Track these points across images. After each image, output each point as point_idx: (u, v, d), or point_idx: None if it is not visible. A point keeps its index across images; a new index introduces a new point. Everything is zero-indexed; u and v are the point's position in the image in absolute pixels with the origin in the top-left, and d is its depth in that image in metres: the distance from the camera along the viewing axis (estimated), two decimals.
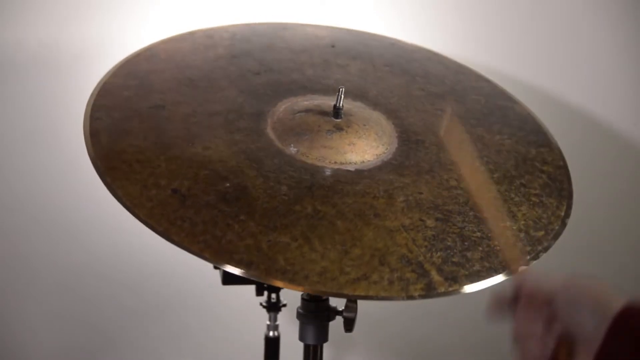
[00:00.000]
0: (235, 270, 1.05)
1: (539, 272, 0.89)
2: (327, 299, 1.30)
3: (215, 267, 1.30)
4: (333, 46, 1.52)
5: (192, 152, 1.19)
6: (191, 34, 1.48)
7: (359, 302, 1.26)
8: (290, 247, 1.07)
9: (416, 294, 1.07)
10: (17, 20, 1.63)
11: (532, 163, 1.31)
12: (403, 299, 1.07)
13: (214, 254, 1.05)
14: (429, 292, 1.08)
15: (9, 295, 1.73)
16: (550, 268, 0.91)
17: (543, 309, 0.86)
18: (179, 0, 1.68)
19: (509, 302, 0.90)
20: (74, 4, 1.64)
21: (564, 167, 1.33)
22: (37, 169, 1.67)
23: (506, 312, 0.91)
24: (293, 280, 1.05)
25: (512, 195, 1.23)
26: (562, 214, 1.23)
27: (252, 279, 1.06)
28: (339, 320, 1.29)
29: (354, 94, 1.36)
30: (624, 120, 1.77)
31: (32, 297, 1.73)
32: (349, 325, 1.28)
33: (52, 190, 1.68)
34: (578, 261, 1.74)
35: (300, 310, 1.30)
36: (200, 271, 1.41)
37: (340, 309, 1.29)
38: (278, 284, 1.05)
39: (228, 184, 1.14)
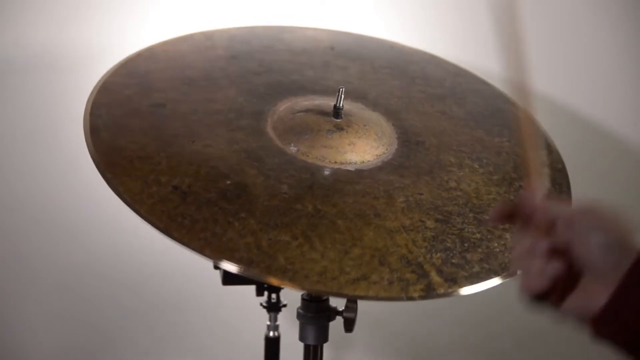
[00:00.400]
0: (236, 269, 1.04)
1: (549, 196, 0.87)
2: (327, 299, 1.30)
3: (216, 267, 1.29)
4: (333, 48, 1.52)
5: (193, 150, 1.19)
6: (191, 35, 1.49)
7: (359, 302, 1.27)
8: (291, 246, 1.07)
9: (416, 294, 1.07)
10: (17, 21, 1.63)
11: None
12: (403, 299, 1.07)
13: (215, 251, 1.05)
14: (429, 293, 1.08)
15: (9, 295, 1.73)
16: None
17: (545, 235, 0.83)
18: (179, 2, 1.68)
19: (512, 212, 0.87)
20: (74, 4, 1.64)
21: (563, 170, 1.33)
22: (37, 168, 1.67)
23: (506, 222, 0.88)
24: (293, 280, 1.05)
25: (512, 198, 1.23)
26: None
27: (252, 277, 1.05)
28: (339, 321, 1.29)
29: (353, 95, 1.36)
30: (624, 121, 1.77)
31: (32, 297, 1.73)
32: (349, 325, 1.28)
33: (52, 190, 1.68)
34: None
35: (300, 310, 1.30)
36: (200, 271, 1.41)
37: (341, 309, 1.29)
38: (278, 283, 1.05)
39: (229, 182, 1.14)
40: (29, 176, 1.68)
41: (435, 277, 1.09)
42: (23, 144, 1.67)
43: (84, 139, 1.18)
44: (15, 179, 1.68)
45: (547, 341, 1.84)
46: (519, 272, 0.84)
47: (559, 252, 0.82)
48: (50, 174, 1.68)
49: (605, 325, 0.79)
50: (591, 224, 0.81)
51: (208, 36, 1.49)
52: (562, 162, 1.35)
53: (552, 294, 0.82)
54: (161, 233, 1.06)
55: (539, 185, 0.88)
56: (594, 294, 0.80)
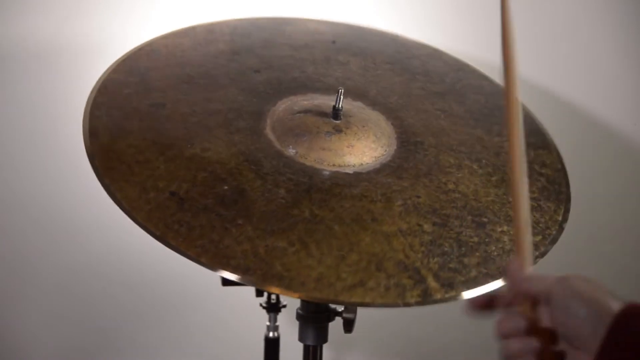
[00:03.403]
0: (232, 276, 1.05)
1: (533, 271, 0.88)
2: None
3: None
4: (334, 42, 1.51)
5: (191, 153, 1.18)
6: (192, 28, 1.48)
7: None
8: (287, 253, 1.07)
9: (412, 300, 1.07)
10: (18, 17, 1.62)
11: (530, 166, 1.30)
12: (399, 306, 1.07)
13: (211, 259, 1.05)
14: (426, 298, 1.08)
15: (9, 295, 1.73)
16: (550, 269, 0.91)
17: (529, 308, 0.85)
18: (181, 3, 1.68)
19: (491, 301, 0.89)
20: (75, 6, 1.64)
21: (562, 170, 1.32)
22: (37, 168, 1.67)
23: (490, 310, 0.90)
24: (289, 287, 1.05)
25: (511, 199, 1.23)
26: (560, 218, 1.23)
27: (248, 285, 1.06)
28: (338, 321, 1.30)
29: (354, 93, 1.36)
30: (624, 120, 1.76)
31: (32, 297, 1.73)
32: (348, 326, 1.29)
33: (53, 190, 1.68)
34: (578, 262, 1.74)
35: (300, 311, 1.31)
36: (200, 272, 1.40)
37: (340, 310, 1.30)
38: (274, 290, 1.06)
39: (226, 187, 1.14)
40: (29, 176, 1.68)
41: (432, 283, 1.09)
42: (23, 143, 1.67)
43: (83, 140, 1.19)
44: (15, 179, 1.68)
45: None
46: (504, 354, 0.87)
47: (539, 329, 0.84)
48: (50, 174, 1.67)
49: None
50: (567, 294, 0.82)
51: (209, 29, 1.48)
52: (561, 162, 1.34)
53: None
54: (158, 240, 1.07)
55: (525, 264, 0.88)
56: None
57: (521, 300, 0.86)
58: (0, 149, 1.67)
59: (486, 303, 0.90)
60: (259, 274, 1.05)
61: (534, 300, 0.85)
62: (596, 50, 1.74)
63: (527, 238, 0.89)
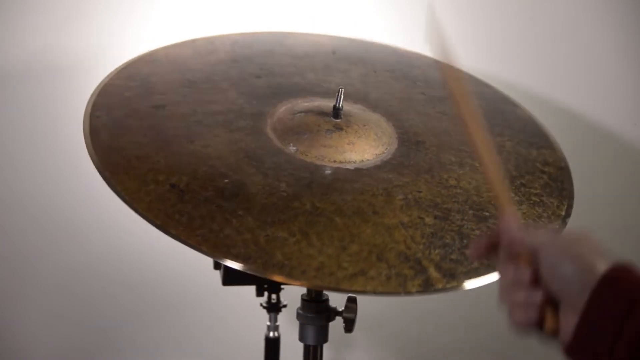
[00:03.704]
0: (233, 264, 1.04)
1: (525, 224, 0.87)
2: (327, 300, 1.30)
3: (216, 268, 1.30)
4: (334, 52, 1.52)
5: (192, 149, 1.19)
6: (193, 41, 1.49)
7: (359, 301, 1.26)
8: (288, 242, 1.07)
9: (414, 289, 1.06)
10: (18, 18, 1.64)
11: (532, 164, 1.31)
12: (400, 294, 1.06)
13: (212, 247, 1.05)
14: (427, 288, 1.07)
15: (9, 295, 1.73)
16: None
17: (526, 266, 0.83)
18: (181, 8, 1.69)
19: (491, 246, 0.88)
20: (75, 5, 1.65)
21: (566, 169, 1.32)
22: (37, 169, 1.68)
23: (488, 257, 0.89)
24: (290, 275, 1.04)
25: (512, 195, 1.23)
26: (563, 213, 1.23)
27: (249, 272, 1.05)
28: (338, 321, 1.29)
29: (354, 97, 1.36)
30: (624, 121, 1.77)
31: (32, 297, 1.73)
32: (348, 325, 1.28)
33: (53, 190, 1.68)
34: None
35: (300, 310, 1.30)
36: (200, 272, 1.41)
37: (340, 310, 1.29)
38: (275, 278, 1.05)
39: (227, 180, 1.14)
40: (29, 176, 1.68)
41: (433, 273, 1.08)
42: (23, 144, 1.67)
43: (83, 140, 1.19)
44: (15, 179, 1.68)
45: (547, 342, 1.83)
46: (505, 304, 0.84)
47: (539, 281, 0.83)
48: (50, 174, 1.68)
49: (575, 353, 0.79)
50: (557, 252, 0.81)
51: (210, 41, 1.50)
52: (564, 160, 1.34)
53: (539, 322, 0.82)
54: (159, 230, 1.07)
55: (512, 214, 0.88)
56: (567, 322, 0.80)
57: (518, 250, 0.84)
58: (0, 149, 1.67)
59: (487, 248, 0.88)
60: (259, 262, 1.04)
61: (528, 253, 0.84)
62: (596, 50, 1.74)
63: (507, 193, 0.89)
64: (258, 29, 1.59)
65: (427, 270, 1.08)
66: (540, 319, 0.82)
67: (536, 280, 0.83)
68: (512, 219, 0.87)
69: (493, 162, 0.91)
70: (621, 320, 0.76)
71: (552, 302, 0.82)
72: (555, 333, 0.82)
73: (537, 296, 0.82)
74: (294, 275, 1.04)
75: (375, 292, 1.06)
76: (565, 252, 0.81)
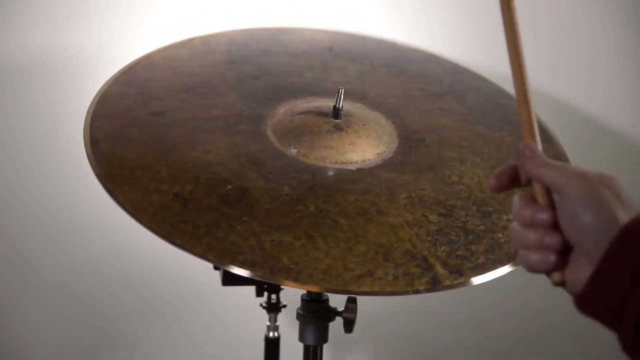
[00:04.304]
0: (240, 271, 1.04)
1: (552, 160, 0.84)
2: (327, 300, 1.30)
3: (216, 268, 1.29)
4: (331, 49, 1.52)
5: (193, 156, 1.19)
6: (189, 40, 1.49)
7: (359, 301, 1.26)
8: (294, 246, 1.07)
9: (422, 288, 1.06)
10: (18, 18, 1.63)
11: None
12: (409, 293, 1.06)
13: (218, 255, 1.05)
14: (435, 286, 1.07)
15: (9, 295, 1.73)
16: None
17: (546, 207, 0.80)
18: (177, 7, 1.69)
19: (512, 179, 0.85)
20: (74, 6, 1.65)
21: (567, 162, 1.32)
22: (37, 169, 1.67)
23: (508, 189, 0.86)
24: (297, 279, 1.04)
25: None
26: None
27: (257, 279, 1.05)
28: (338, 321, 1.29)
29: (353, 96, 1.36)
30: (624, 120, 1.77)
31: (32, 297, 1.72)
32: (348, 326, 1.27)
33: (53, 190, 1.68)
34: None
35: (300, 311, 1.30)
36: (200, 272, 1.40)
37: (340, 310, 1.28)
38: (283, 283, 1.05)
39: (229, 187, 1.14)
40: (29, 176, 1.68)
41: (440, 270, 1.08)
42: (23, 144, 1.67)
43: (83, 140, 1.19)
44: (15, 179, 1.68)
45: (547, 342, 1.83)
46: (518, 246, 0.82)
47: (552, 232, 0.80)
48: (50, 174, 1.67)
49: (586, 305, 0.77)
50: (579, 199, 0.78)
51: (206, 41, 1.49)
52: (565, 155, 1.34)
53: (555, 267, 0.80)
54: (164, 240, 1.06)
55: (535, 144, 0.85)
56: (580, 272, 0.78)
57: (538, 187, 0.82)
58: (0, 149, 1.67)
59: (509, 180, 0.85)
60: (266, 267, 1.05)
61: (548, 192, 0.81)
62: (596, 50, 1.74)
63: (534, 122, 0.85)
64: (254, 24, 1.58)
65: (434, 268, 1.08)
66: (558, 263, 0.80)
67: (555, 223, 0.80)
68: (536, 151, 0.84)
69: (524, 85, 0.87)
70: (638, 274, 0.74)
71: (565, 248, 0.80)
72: (562, 282, 0.80)
73: (556, 240, 0.79)
74: (301, 279, 1.04)
75: (383, 292, 1.06)
76: (588, 200, 0.78)
